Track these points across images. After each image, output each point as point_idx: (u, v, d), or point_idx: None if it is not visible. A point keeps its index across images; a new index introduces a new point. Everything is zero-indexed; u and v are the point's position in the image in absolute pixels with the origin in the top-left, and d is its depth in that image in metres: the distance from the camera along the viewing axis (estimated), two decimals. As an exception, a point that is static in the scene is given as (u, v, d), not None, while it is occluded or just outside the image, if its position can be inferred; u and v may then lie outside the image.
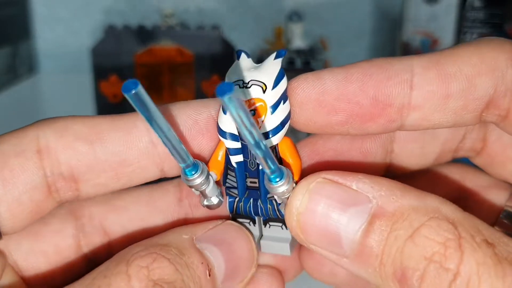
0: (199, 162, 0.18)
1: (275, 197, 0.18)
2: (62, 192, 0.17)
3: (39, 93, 0.87)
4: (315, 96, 0.17)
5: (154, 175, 0.18)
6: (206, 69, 0.46)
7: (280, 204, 0.18)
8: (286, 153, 0.18)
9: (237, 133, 0.18)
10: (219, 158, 0.18)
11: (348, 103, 0.16)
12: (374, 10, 0.90)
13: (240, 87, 0.17)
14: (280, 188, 0.17)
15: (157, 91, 0.50)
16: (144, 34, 0.46)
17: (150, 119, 0.15)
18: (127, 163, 0.17)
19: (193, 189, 0.18)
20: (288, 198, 0.17)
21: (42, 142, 0.17)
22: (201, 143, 0.18)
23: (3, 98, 0.78)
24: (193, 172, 0.17)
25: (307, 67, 0.47)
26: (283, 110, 0.17)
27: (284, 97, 0.17)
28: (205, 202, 0.18)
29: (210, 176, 0.18)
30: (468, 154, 0.20)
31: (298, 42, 0.82)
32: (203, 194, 0.18)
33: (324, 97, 0.17)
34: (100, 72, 0.46)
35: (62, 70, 0.94)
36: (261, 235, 0.19)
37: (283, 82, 0.17)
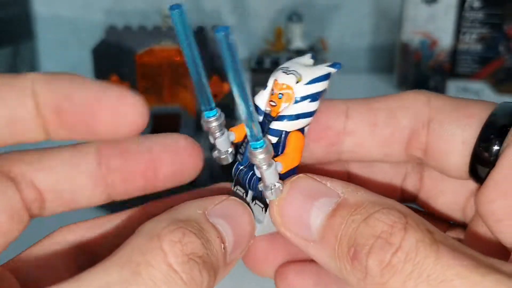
0: (219, 110, 0.19)
1: (256, 171, 0.19)
2: None
3: (40, 93, 0.87)
4: None
5: None
6: (206, 69, 0.47)
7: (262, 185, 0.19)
8: (290, 144, 0.19)
9: (259, 106, 0.20)
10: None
11: None
12: (373, 10, 0.91)
13: (282, 72, 0.19)
14: (260, 155, 0.18)
15: (157, 91, 0.50)
16: (145, 35, 0.46)
17: (188, 45, 0.17)
18: None
19: (209, 136, 0.20)
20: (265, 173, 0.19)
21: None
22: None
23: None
24: (211, 115, 0.19)
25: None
26: (306, 106, 0.19)
27: (313, 98, 0.19)
28: (215, 154, 0.20)
29: (225, 130, 0.20)
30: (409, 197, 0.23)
31: (298, 42, 0.82)
32: (215, 144, 0.20)
33: None
34: (101, 72, 0.47)
35: (63, 70, 0.95)
36: None
37: (320, 85, 0.19)
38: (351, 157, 0.21)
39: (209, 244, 0.17)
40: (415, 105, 0.20)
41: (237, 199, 0.20)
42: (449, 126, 0.19)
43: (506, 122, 0.18)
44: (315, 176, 0.19)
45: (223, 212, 0.18)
